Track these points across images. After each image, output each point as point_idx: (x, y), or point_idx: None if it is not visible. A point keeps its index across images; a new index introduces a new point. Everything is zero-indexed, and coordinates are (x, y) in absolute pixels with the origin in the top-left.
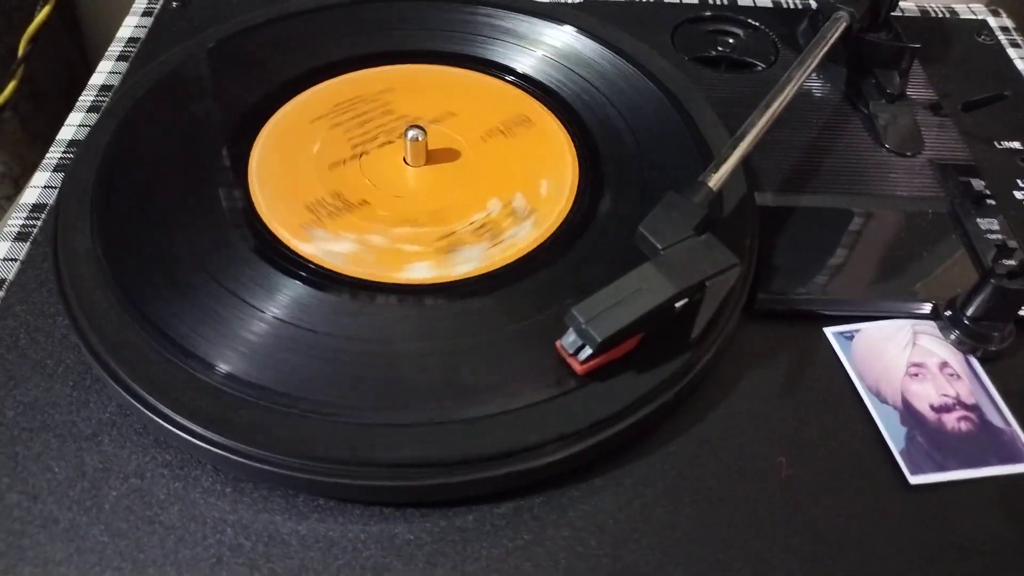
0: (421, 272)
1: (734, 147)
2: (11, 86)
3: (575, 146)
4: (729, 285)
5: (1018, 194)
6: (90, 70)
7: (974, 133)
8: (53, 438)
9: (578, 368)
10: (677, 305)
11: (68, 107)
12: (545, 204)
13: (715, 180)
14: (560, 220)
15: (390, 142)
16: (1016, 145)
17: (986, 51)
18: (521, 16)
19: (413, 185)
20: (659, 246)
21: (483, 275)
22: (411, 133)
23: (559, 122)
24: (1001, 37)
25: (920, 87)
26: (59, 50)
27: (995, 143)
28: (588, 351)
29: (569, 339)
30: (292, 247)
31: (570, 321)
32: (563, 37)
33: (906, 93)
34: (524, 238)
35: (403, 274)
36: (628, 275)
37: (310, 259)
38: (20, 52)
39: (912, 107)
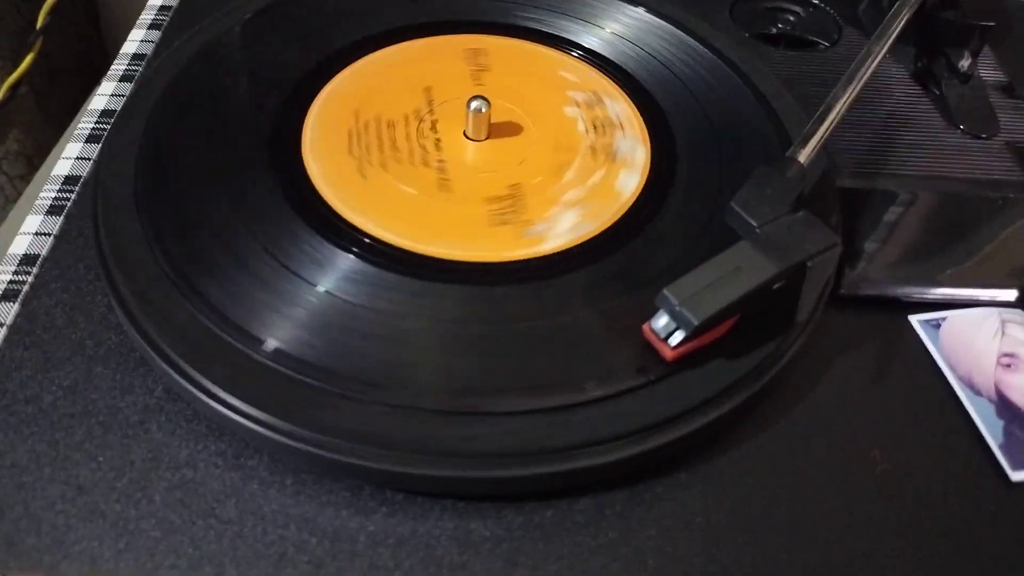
0: (631, 182)
1: (820, 121)
2: (29, 57)
3: (644, 121)
4: (833, 266)
5: None
6: (106, 48)
7: None
8: (96, 425)
9: (668, 354)
10: (775, 287)
11: (83, 85)
12: (589, 82)
13: (804, 155)
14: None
15: (439, 140)
16: None
17: None
18: None
19: (510, 150)
20: (754, 223)
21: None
22: (474, 105)
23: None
24: None
25: (990, 68)
26: (76, 26)
27: None
28: (680, 335)
29: (661, 322)
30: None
31: (661, 303)
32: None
33: (978, 73)
34: (624, 110)
35: (623, 196)
36: (724, 253)
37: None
38: (39, 23)
39: (984, 88)
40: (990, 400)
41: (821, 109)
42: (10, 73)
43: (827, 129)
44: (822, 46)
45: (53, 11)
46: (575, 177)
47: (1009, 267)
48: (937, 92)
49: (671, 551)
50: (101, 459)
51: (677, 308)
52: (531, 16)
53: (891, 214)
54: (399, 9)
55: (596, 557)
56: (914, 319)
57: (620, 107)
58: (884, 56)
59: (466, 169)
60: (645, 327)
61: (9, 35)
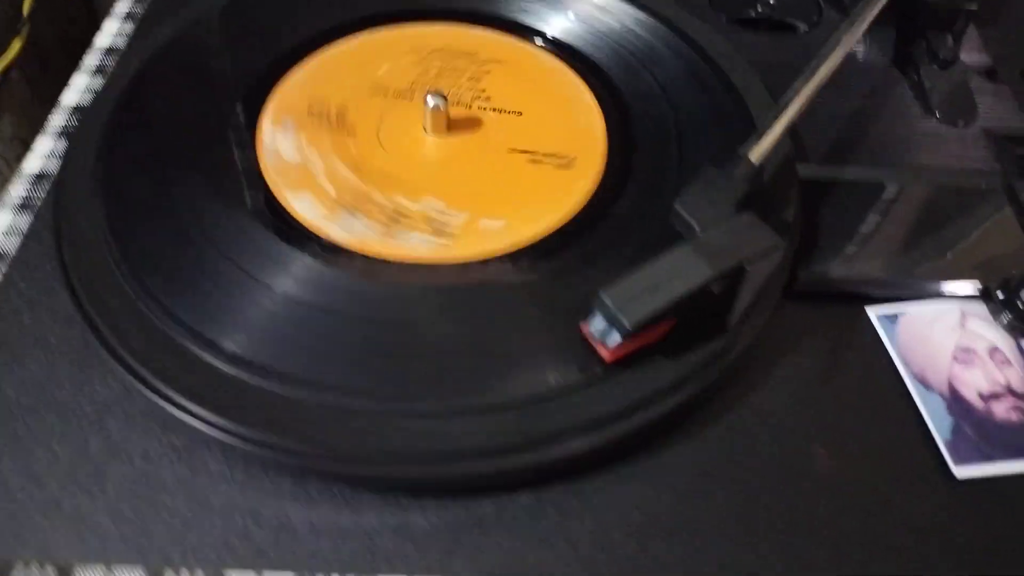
0: (304, 206)
1: (777, 117)
2: (17, 45)
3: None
4: (771, 269)
5: None
6: (98, 28)
7: None
8: (56, 418)
9: (606, 355)
10: (714, 289)
11: (75, 67)
12: (470, 237)
13: (757, 153)
14: (462, 260)
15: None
16: None
17: None
18: None
19: (403, 143)
20: (696, 225)
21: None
22: (431, 101)
23: (599, 172)
24: None
25: (974, 51)
26: (66, 9)
27: None
28: (617, 338)
29: (597, 325)
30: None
31: (598, 305)
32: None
33: (959, 58)
34: (417, 248)
35: (292, 195)
36: (662, 257)
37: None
38: (26, 10)
39: (966, 73)
40: (942, 396)
41: (780, 102)
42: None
43: (784, 126)
44: (802, 29)
45: None
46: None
47: (975, 260)
48: (916, 78)
49: (606, 543)
50: (59, 451)
51: (612, 311)
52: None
53: (855, 206)
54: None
55: (532, 549)
56: (872, 312)
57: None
58: (855, 45)
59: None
60: (584, 328)
61: None
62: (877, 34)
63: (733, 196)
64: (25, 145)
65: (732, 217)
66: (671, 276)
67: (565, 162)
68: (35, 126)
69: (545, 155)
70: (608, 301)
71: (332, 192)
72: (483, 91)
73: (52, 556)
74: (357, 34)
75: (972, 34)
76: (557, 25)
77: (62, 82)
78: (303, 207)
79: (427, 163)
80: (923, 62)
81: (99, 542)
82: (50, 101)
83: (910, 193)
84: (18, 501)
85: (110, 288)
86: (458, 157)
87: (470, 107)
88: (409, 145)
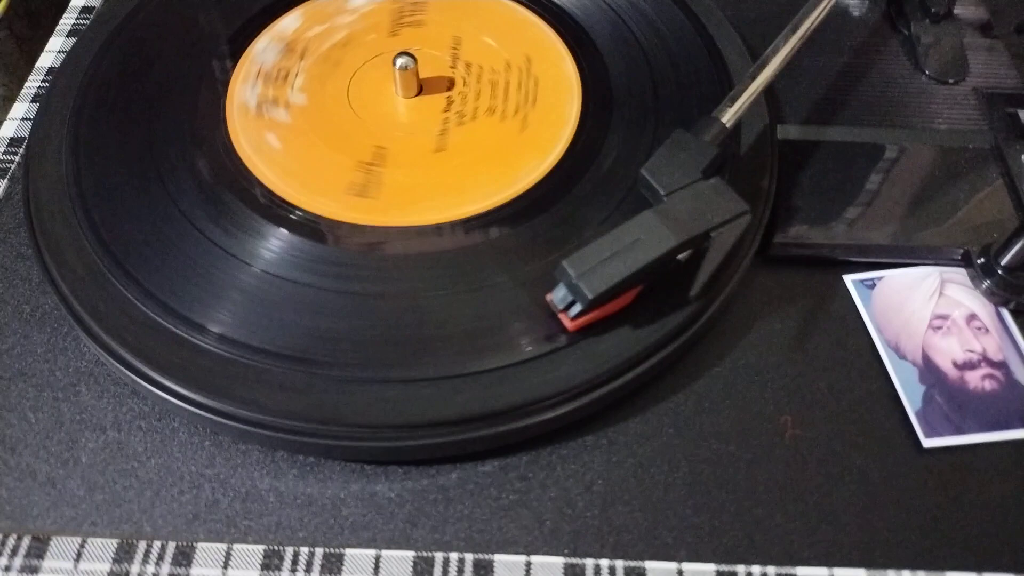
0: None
1: (752, 78)
2: (3, 2)
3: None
4: (737, 235)
5: None
6: None
7: None
8: (30, 388)
9: (569, 325)
10: (680, 257)
11: None
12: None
13: (729, 116)
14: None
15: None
16: None
17: None
18: None
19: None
20: (662, 191)
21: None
22: (400, 61)
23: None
24: None
25: (970, 4)
26: None
27: None
28: (579, 307)
29: (559, 294)
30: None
31: (560, 275)
32: None
33: (953, 12)
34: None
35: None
36: (626, 224)
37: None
38: None
39: (959, 28)
40: (914, 364)
41: (756, 64)
42: None
43: (759, 88)
44: None
45: None
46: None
47: (959, 224)
48: (907, 33)
49: (568, 512)
50: (33, 420)
51: (574, 281)
52: None
53: (837, 167)
54: None
55: (495, 518)
56: (849, 278)
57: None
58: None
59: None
60: (548, 297)
61: None
62: None
63: (701, 161)
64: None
65: (699, 182)
66: (634, 244)
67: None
68: (24, 84)
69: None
70: (570, 270)
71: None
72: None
73: (26, 525)
74: None
75: None
76: None
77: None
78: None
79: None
80: (915, 16)
81: (72, 511)
82: (38, 58)
83: (894, 154)
84: None
85: (78, 258)
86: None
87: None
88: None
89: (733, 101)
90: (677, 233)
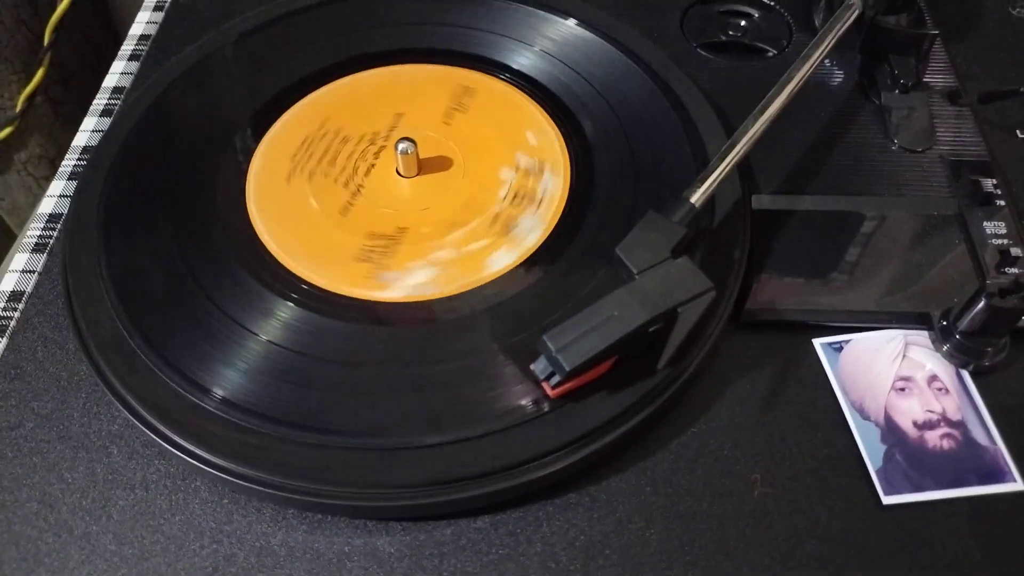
0: (503, 260)
1: (722, 159)
2: (39, 74)
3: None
4: (701, 312)
5: None
6: (119, 42)
7: (996, 122)
8: (67, 449)
9: (550, 392)
10: (651, 330)
11: (98, 83)
12: (545, 150)
13: (698, 196)
14: (567, 157)
15: (373, 165)
16: None
17: (1020, 25)
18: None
19: (427, 193)
20: (634, 270)
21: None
22: (401, 146)
23: (504, 83)
24: None
25: (941, 71)
26: (87, 32)
27: (1017, 132)
28: (558, 377)
29: (540, 365)
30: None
31: (541, 348)
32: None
33: (923, 80)
34: (556, 187)
35: (486, 271)
36: (602, 301)
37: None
38: (46, 41)
39: (928, 97)
40: (877, 424)
41: (727, 143)
42: (25, 85)
43: (728, 168)
44: (771, 53)
45: (58, 28)
46: (459, 238)
47: (923, 289)
48: (878, 103)
49: (552, 566)
50: (70, 479)
51: (554, 354)
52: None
53: (808, 236)
54: (395, 31)
55: (485, 571)
56: (818, 342)
57: (553, 182)
58: (822, 64)
59: (375, 200)
60: (531, 366)
61: (20, 50)
62: (844, 57)
63: (671, 241)
64: (52, 164)
65: (668, 261)
66: (608, 319)
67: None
68: (61, 146)
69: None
70: (550, 344)
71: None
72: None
73: None
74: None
75: (939, 52)
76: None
77: (84, 102)
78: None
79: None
80: (885, 86)
81: (105, 564)
82: (74, 122)
83: (864, 223)
84: (35, 525)
85: (109, 331)
86: (445, 185)
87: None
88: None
89: (703, 181)
90: (647, 309)
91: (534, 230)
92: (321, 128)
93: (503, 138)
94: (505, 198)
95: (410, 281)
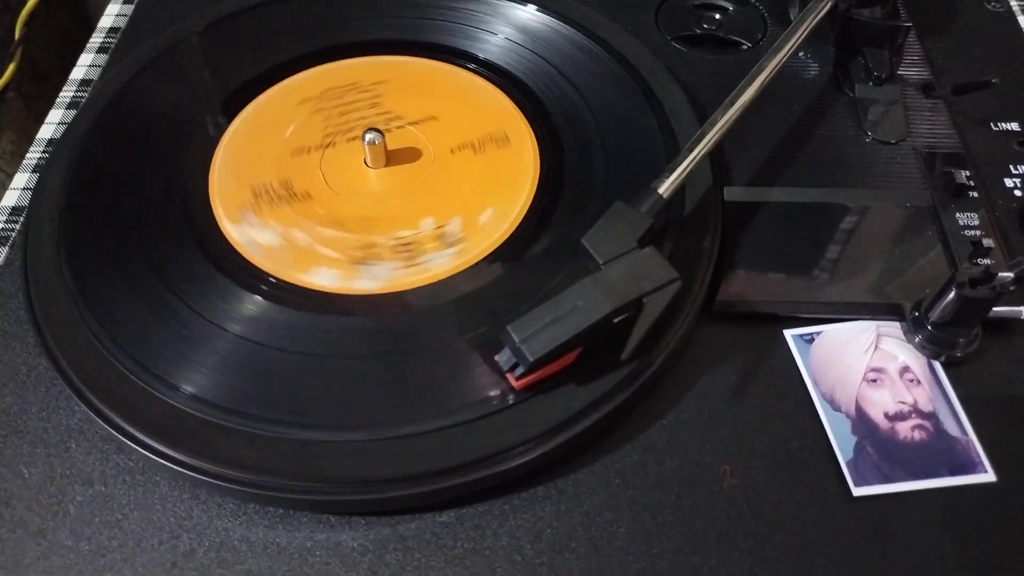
0: (324, 279)
1: (691, 150)
2: (11, 68)
3: (540, 159)
4: (666, 302)
5: (1009, 182)
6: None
7: (970, 113)
8: (25, 444)
9: (515, 384)
10: (616, 320)
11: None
12: (478, 234)
13: (666, 187)
14: (485, 254)
15: (357, 138)
16: (1014, 127)
17: (994, 20)
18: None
19: (359, 187)
20: (600, 260)
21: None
22: (368, 136)
23: (533, 139)
24: (1014, 3)
25: (916, 63)
26: (60, 27)
27: (991, 124)
28: (523, 368)
29: (504, 356)
30: (222, 228)
31: (505, 339)
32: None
33: (897, 73)
34: (440, 266)
35: (307, 276)
36: (566, 291)
37: (233, 243)
38: (16, 35)
39: (902, 90)
40: (848, 416)
41: (696, 134)
42: None
43: (696, 159)
44: (745, 47)
45: (28, 22)
46: (409, 235)
47: (896, 280)
48: (851, 95)
49: (519, 560)
50: (27, 475)
51: (517, 345)
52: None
53: (781, 227)
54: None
55: (449, 566)
56: (789, 333)
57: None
58: (796, 56)
59: (337, 188)
60: (495, 358)
61: None
62: (818, 50)
63: (637, 231)
64: (24, 160)
65: (634, 251)
66: (573, 310)
67: (502, 138)
68: (33, 142)
69: (480, 140)
70: (513, 334)
71: (337, 255)
72: (388, 112)
73: (19, 574)
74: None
75: (914, 44)
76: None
77: (57, 98)
78: (324, 280)
79: (394, 192)
80: (859, 79)
81: (61, 560)
82: (45, 116)
83: (836, 214)
84: None
85: (68, 325)
86: (413, 177)
87: (389, 130)
88: (365, 184)
89: (671, 172)
90: (611, 300)
91: (372, 280)
92: (373, 86)
93: (466, 197)
94: (396, 240)
95: (255, 235)
